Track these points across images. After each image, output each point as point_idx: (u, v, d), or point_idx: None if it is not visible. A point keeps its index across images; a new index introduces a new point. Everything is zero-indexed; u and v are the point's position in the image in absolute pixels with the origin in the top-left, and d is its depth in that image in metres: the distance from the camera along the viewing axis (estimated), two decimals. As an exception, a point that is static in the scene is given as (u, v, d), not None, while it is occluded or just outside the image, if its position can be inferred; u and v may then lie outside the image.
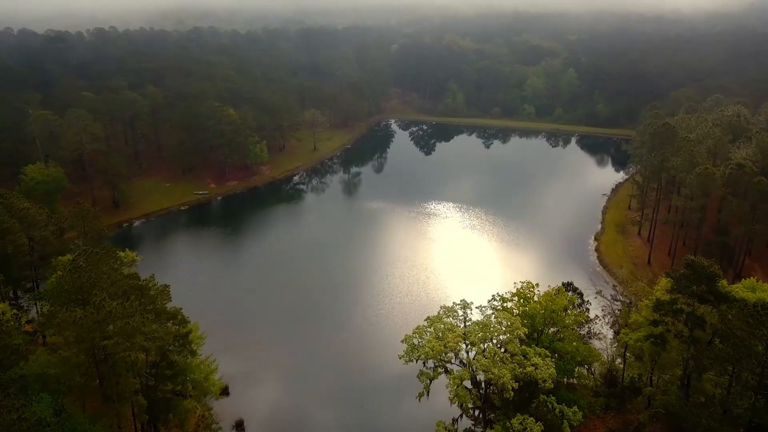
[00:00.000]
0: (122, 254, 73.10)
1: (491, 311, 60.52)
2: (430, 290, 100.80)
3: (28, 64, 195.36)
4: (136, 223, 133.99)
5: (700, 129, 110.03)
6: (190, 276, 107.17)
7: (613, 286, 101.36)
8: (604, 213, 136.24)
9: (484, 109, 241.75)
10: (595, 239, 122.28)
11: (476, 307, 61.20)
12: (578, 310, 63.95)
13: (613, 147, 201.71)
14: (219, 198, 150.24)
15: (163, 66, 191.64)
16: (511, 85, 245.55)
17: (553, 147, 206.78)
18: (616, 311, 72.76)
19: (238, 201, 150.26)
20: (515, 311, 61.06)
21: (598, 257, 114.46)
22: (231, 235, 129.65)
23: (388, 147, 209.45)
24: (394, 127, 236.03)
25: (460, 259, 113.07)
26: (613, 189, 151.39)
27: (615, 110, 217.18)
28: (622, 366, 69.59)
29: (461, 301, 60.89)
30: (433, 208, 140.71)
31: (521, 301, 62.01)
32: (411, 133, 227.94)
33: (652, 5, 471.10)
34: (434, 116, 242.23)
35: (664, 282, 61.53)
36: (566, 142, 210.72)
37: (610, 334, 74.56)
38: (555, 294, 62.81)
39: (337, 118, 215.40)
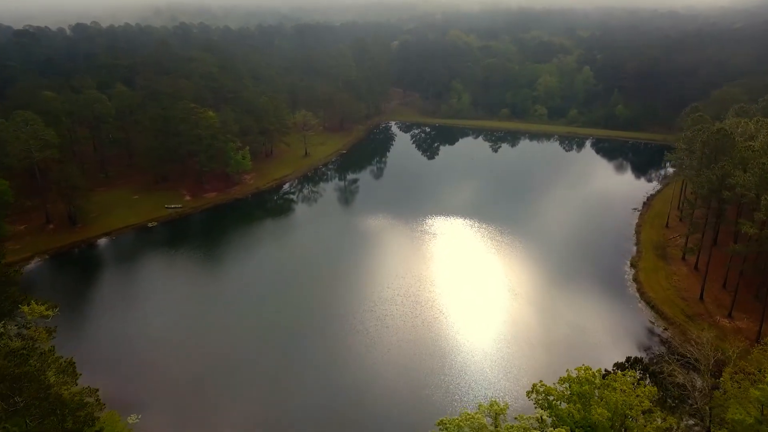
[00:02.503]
0: (26, 309, 54.23)
1: (535, 421, 41.16)
2: (438, 337, 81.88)
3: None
4: (95, 243, 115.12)
5: (764, 136, 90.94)
6: (147, 313, 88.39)
7: (666, 333, 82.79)
8: (637, 232, 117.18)
9: (492, 111, 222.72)
10: (632, 266, 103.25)
11: (515, 417, 41.79)
12: (663, 412, 44.29)
13: (636, 152, 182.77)
14: (194, 212, 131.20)
15: (139, 63, 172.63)
16: (521, 85, 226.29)
17: (567, 151, 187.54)
18: (697, 395, 53.42)
19: (215, 216, 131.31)
20: (572, 413, 41.54)
21: (637, 289, 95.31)
22: (203, 258, 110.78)
23: (388, 152, 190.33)
24: (394, 129, 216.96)
25: (473, 293, 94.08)
26: (644, 202, 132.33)
27: (636, 112, 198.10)
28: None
29: (490, 404, 41.61)
30: (438, 224, 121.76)
31: (578, 402, 42.09)
32: (413, 137, 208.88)
33: (663, 1, 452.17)
34: (437, 118, 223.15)
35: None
36: (583, 146, 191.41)
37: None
38: (620, 379, 43.55)
39: (332, 120, 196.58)
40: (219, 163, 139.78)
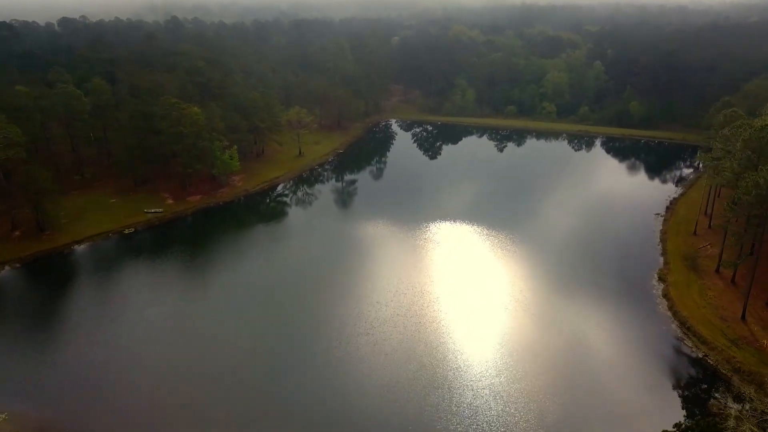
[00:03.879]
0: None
1: None
2: (444, 367, 70.80)
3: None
4: (64, 252, 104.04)
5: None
6: (117, 332, 77.35)
7: (708, 360, 71.51)
8: (663, 240, 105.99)
9: (498, 108, 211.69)
10: (660, 279, 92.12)
11: None
12: None
13: (653, 152, 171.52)
14: (176, 217, 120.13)
15: (122, 56, 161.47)
16: (528, 81, 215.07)
17: (579, 151, 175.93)
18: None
19: (199, 221, 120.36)
20: None
21: (669, 308, 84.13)
22: (183, 269, 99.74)
23: (388, 151, 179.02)
24: (394, 128, 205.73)
25: (482, 314, 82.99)
26: (667, 207, 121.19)
27: (651, 109, 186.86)
28: None
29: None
30: (442, 231, 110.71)
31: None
32: (414, 135, 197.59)
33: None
34: (440, 116, 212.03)
35: None
36: (594, 145, 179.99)
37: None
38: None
39: (329, 118, 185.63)
40: (204, 164, 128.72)
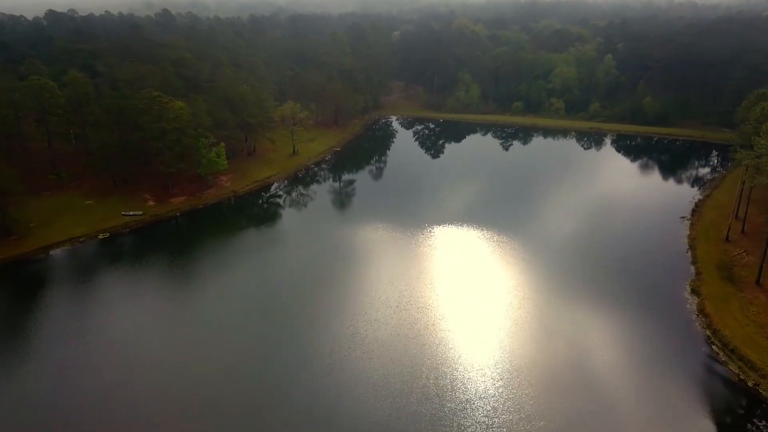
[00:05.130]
0: None
1: None
2: (453, 398, 60.75)
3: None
4: (30, 259, 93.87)
5: None
6: (82, 352, 67.29)
7: (761, 391, 61.15)
8: (692, 247, 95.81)
9: (504, 104, 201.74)
10: (693, 291, 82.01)
11: None
12: None
13: (670, 151, 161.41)
14: (156, 221, 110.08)
15: (104, 48, 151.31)
16: (535, 76, 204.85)
17: (589, 149, 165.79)
18: None
19: (182, 225, 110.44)
20: None
21: (707, 325, 73.87)
22: (158, 279, 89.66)
23: (388, 150, 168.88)
24: (395, 125, 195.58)
25: (494, 335, 72.92)
26: (693, 209, 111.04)
27: (667, 105, 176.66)
28: None
29: None
30: (448, 237, 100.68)
31: None
32: (415, 133, 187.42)
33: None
34: (443, 113, 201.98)
35: None
36: (606, 144, 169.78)
37: None
38: None
39: (325, 114, 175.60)
40: (188, 163, 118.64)
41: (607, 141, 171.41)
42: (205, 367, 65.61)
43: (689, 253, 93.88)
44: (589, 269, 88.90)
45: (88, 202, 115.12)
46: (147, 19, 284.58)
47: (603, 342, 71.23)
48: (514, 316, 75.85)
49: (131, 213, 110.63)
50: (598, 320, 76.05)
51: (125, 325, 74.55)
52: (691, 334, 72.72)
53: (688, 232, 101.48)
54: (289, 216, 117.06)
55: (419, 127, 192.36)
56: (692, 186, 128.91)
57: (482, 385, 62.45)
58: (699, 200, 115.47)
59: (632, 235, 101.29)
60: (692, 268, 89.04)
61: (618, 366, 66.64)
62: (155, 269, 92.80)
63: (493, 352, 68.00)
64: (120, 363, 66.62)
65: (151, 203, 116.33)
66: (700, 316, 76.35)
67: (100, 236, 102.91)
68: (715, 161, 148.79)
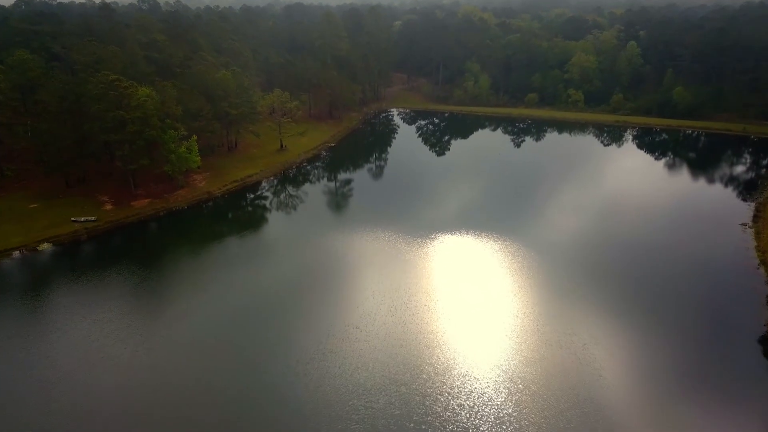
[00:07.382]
0: None
1: None
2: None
3: None
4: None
5: None
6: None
7: None
8: (764, 261, 77.70)
9: (516, 96, 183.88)
10: (779, 323, 63.96)
11: None
12: None
13: (706, 146, 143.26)
14: (111, 228, 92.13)
15: (67, 30, 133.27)
16: (551, 65, 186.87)
17: (608, 145, 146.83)
18: None
19: (141, 234, 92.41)
20: None
21: (811, 373, 55.89)
22: (107, 302, 71.52)
23: (389, 146, 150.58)
24: (396, 119, 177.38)
25: (530, 386, 54.88)
26: (755, 215, 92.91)
27: (699, 95, 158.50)
28: None
29: None
30: (457, 247, 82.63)
31: None
32: (419, 128, 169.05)
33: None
34: (450, 105, 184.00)
35: None
36: (632, 138, 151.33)
37: None
38: None
39: (318, 106, 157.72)
40: (153, 159, 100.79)
41: (631, 136, 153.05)
42: (155, 413, 47.61)
43: (762, 269, 75.81)
44: (643, 288, 70.90)
45: (32, 205, 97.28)
46: (131, 6, 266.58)
47: (678, 381, 53.15)
48: (557, 354, 57.75)
49: (82, 219, 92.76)
50: (665, 352, 57.89)
51: (48, 368, 56.47)
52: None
53: (755, 243, 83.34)
54: (273, 221, 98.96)
55: (423, 122, 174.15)
56: (742, 187, 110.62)
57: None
58: (760, 203, 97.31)
59: (688, 247, 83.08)
60: (770, 288, 71.06)
61: (697, 417, 48.67)
62: (105, 288, 74.58)
63: (523, 403, 49.91)
64: (37, 409, 48.58)
65: (109, 207, 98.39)
66: (797, 358, 58.28)
67: (40, 247, 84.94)
68: (761, 157, 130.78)
